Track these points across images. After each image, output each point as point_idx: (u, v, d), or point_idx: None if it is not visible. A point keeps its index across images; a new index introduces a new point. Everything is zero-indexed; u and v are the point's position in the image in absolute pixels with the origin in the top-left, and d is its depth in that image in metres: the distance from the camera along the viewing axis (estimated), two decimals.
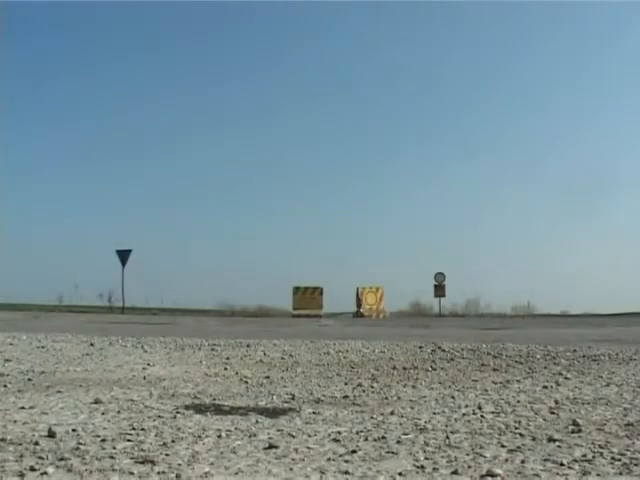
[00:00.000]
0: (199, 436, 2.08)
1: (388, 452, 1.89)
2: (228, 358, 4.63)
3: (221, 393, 3.03)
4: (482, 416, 2.46)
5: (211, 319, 15.19)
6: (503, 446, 1.96)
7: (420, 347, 5.35)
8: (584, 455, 1.85)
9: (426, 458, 1.82)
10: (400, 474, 1.66)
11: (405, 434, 2.13)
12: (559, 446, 1.97)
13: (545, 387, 3.23)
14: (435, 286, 23.00)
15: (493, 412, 2.55)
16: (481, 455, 1.85)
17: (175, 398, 2.87)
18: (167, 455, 1.83)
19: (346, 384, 3.36)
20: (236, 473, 1.67)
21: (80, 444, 1.95)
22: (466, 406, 2.68)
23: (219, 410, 2.57)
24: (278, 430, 2.18)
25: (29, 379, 3.46)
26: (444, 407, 2.66)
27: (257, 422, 2.33)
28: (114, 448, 1.91)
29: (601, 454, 1.86)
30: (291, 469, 1.70)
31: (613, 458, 1.81)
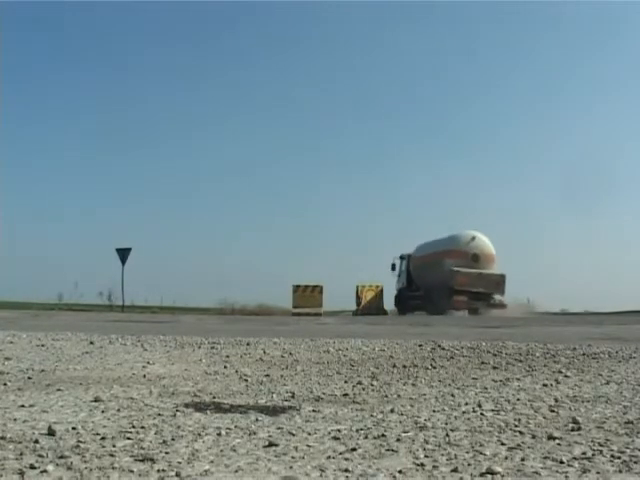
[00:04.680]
0: (199, 434, 2.08)
1: (388, 450, 1.89)
2: (228, 356, 4.63)
3: (221, 391, 3.03)
4: (482, 414, 2.46)
5: (211, 317, 15.20)
6: (503, 444, 1.96)
7: (420, 345, 5.35)
8: (584, 453, 1.85)
9: (426, 456, 1.82)
10: (400, 472, 1.66)
11: (405, 432, 2.13)
12: (559, 444, 1.97)
13: (545, 385, 3.23)
14: None
15: (493, 410, 2.55)
16: (481, 453, 1.85)
17: (175, 396, 2.87)
18: (167, 453, 1.83)
19: (346, 382, 3.36)
20: (236, 471, 1.67)
21: (80, 442, 1.95)
22: (466, 404, 2.68)
23: (219, 408, 2.57)
24: (278, 428, 2.18)
25: (29, 377, 3.46)
26: (444, 405, 2.66)
27: (257, 420, 2.33)
28: (114, 446, 1.91)
29: (601, 452, 1.86)
30: (291, 467, 1.70)
31: (612, 456, 1.82)
